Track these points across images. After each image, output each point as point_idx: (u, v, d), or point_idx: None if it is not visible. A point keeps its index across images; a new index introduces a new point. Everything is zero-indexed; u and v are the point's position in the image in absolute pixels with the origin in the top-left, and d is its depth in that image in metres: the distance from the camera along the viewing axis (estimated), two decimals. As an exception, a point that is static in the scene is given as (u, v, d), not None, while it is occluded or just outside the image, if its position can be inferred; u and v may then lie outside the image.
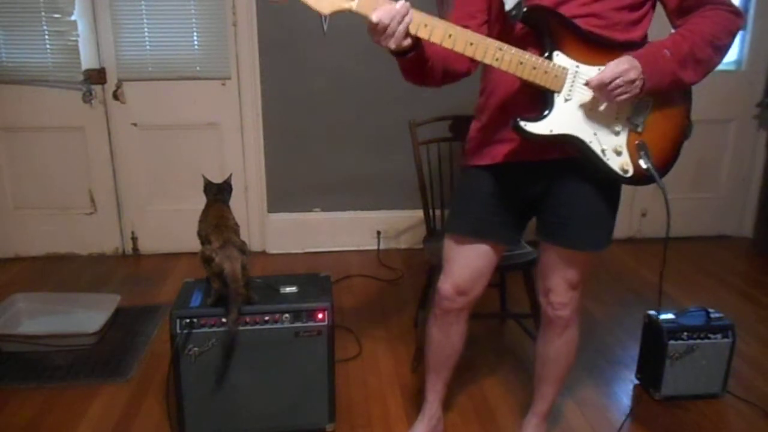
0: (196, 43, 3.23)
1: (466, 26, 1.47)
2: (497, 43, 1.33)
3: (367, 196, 3.57)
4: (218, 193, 2.05)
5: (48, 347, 2.39)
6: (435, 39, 1.32)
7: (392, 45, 1.31)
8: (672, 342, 2.08)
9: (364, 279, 3.19)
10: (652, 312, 2.19)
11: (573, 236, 1.57)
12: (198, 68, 3.27)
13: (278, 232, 3.56)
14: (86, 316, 2.58)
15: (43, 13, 3.10)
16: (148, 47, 3.21)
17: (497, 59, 1.34)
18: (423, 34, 1.31)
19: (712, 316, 2.15)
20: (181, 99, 3.31)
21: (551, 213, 1.59)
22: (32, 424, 2.01)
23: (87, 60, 3.19)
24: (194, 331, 1.79)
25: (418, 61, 1.43)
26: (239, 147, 3.43)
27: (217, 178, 2.09)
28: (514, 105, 1.47)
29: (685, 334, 2.09)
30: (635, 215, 3.74)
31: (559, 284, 1.65)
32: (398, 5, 1.29)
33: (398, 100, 3.27)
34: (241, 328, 1.80)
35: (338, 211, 3.57)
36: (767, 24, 3.51)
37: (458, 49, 1.32)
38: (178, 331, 1.78)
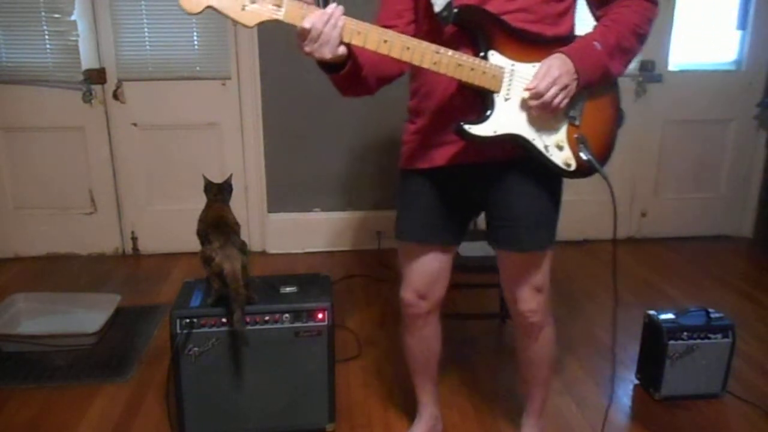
0: (196, 43, 3.23)
1: (393, 26, 1.44)
2: (434, 47, 1.31)
3: (367, 196, 3.57)
4: (218, 193, 2.05)
5: (48, 347, 2.39)
6: (370, 46, 1.27)
7: (328, 54, 1.25)
8: (672, 342, 2.08)
9: (364, 279, 3.19)
10: (652, 312, 2.19)
11: (522, 238, 1.54)
12: (198, 68, 3.27)
13: (278, 232, 3.56)
14: (86, 316, 2.58)
15: (43, 13, 3.10)
16: (148, 47, 3.21)
17: (435, 63, 1.31)
18: (357, 41, 1.27)
19: (712, 316, 2.15)
20: (181, 99, 3.31)
21: (497, 218, 1.57)
22: (32, 424, 2.01)
23: (87, 60, 3.19)
24: (194, 331, 1.79)
25: (353, 75, 1.38)
26: (239, 147, 3.43)
27: (217, 178, 2.09)
28: (452, 107, 1.45)
29: (685, 334, 2.09)
30: (635, 215, 3.74)
31: (524, 290, 1.62)
32: (330, 8, 1.23)
33: (398, 99, 3.25)
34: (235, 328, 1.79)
35: (338, 211, 3.57)
36: (767, 24, 3.51)
37: (395, 55, 1.29)
38: (178, 331, 1.78)
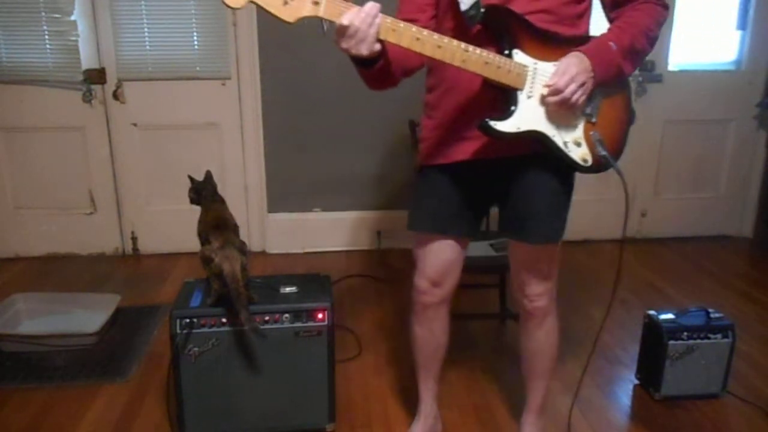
0: (196, 43, 3.23)
1: (415, 20, 1.46)
2: (462, 45, 1.34)
3: (367, 196, 3.57)
4: (216, 193, 2.06)
5: (48, 347, 2.39)
6: (404, 44, 1.30)
7: (365, 51, 1.28)
8: (672, 342, 2.08)
9: (364, 279, 3.19)
10: (652, 312, 2.19)
11: (533, 230, 1.58)
12: (198, 68, 3.27)
13: (278, 232, 3.56)
14: (86, 316, 2.58)
15: (43, 13, 3.11)
16: (148, 47, 3.21)
17: (464, 61, 1.34)
18: (392, 38, 1.30)
19: (712, 316, 2.15)
20: (181, 99, 3.31)
21: (511, 209, 1.60)
22: (32, 424, 2.01)
23: (87, 60, 3.19)
24: (194, 331, 1.79)
25: (384, 70, 1.41)
26: (239, 147, 3.43)
27: (218, 179, 2.09)
28: (475, 103, 1.48)
29: (685, 334, 2.09)
30: (635, 215, 3.74)
31: (531, 278, 1.66)
32: (368, 7, 1.26)
33: (398, 99, 3.26)
34: (240, 328, 1.80)
35: (338, 211, 3.57)
36: (767, 24, 3.51)
37: (426, 53, 1.32)
38: (178, 331, 1.78)
